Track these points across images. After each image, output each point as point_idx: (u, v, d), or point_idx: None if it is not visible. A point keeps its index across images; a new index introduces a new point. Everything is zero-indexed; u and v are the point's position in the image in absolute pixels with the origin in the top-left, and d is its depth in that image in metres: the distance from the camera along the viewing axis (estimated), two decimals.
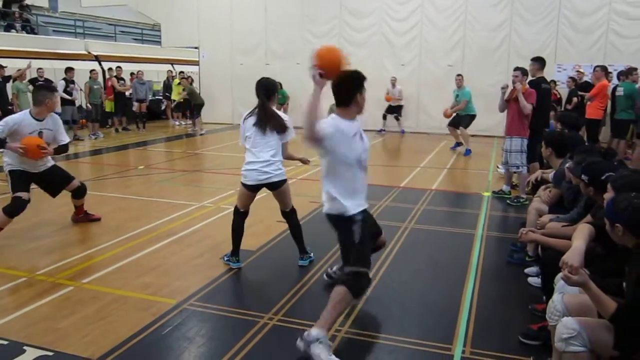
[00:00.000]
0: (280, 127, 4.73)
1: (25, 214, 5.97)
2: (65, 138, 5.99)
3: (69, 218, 6.45)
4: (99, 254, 5.26)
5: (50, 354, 3.35)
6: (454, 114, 12.25)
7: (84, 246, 5.49)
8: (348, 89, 3.48)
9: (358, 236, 3.50)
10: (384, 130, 15.97)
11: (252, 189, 4.80)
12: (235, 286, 4.67)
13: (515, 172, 7.58)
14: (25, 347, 3.42)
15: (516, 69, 7.42)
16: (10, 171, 5.63)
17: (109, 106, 15.85)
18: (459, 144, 12.62)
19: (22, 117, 5.59)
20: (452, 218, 6.84)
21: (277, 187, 4.82)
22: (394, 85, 15.62)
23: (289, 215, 4.98)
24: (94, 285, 4.49)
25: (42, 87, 5.85)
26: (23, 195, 5.55)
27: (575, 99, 11.92)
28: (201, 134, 15.70)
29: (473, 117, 12.29)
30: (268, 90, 4.75)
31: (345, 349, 3.47)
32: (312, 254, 5.06)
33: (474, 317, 3.95)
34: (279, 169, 4.77)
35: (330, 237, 4.86)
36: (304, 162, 5.28)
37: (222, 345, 3.52)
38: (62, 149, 5.97)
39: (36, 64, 14.41)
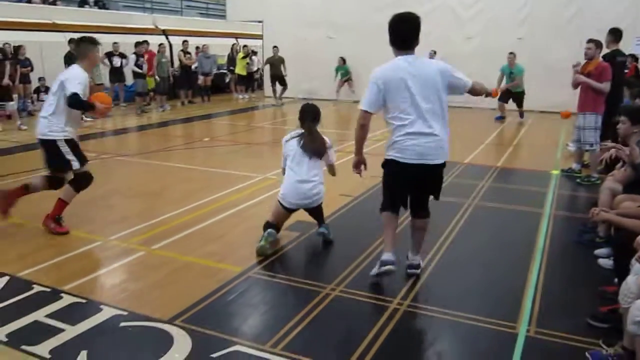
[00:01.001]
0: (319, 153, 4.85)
1: (98, 183, 6.18)
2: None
3: (137, 188, 6.70)
4: (166, 222, 5.46)
5: (125, 313, 3.54)
6: (506, 90, 12.58)
7: (152, 214, 5.69)
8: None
9: None
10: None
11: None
12: (298, 257, 4.75)
13: (588, 150, 7.26)
14: (101, 306, 3.62)
15: (589, 41, 7.05)
16: (66, 140, 5.03)
17: (150, 83, 14.95)
18: (501, 116, 13.17)
19: (81, 71, 5.17)
20: (518, 196, 6.66)
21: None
22: (432, 58, 15.14)
23: None
24: (163, 251, 4.68)
25: (85, 40, 5.67)
26: (88, 167, 5.25)
27: None
28: (282, 104, 16.35)
29: (523, 93, 12.84)
30: (315, 114, 4.94)
31: (406, 322, 3.48)
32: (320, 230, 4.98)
33: (539, 297, 3.86)
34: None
35: (368, 227, 4.85)
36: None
37: (285, 313, 3.61)
38: None
39: (108, 38, 14.90)
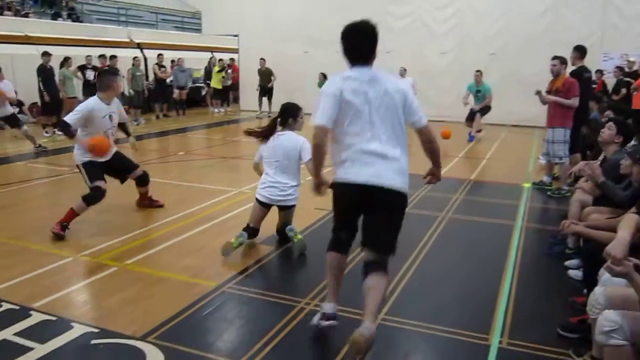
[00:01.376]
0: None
1: (70, 198, 6.15)
2: (125, 116, 6.47)
3: (111, 202, 6.62)
4: (141, 237, 5.41)
5: (96, 330, 3.49)
6: (470, 110, 12.36)
7: (127, 229, 5.64)
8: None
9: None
10: None
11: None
12: (274, 271, 4.75)
13: (557, 164, 7.42)
14: (72, 324, 3.56)
15: (554, 57, 7.23)
16: (82, 163, 5.69)
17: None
18: (473, 136, 12.52)
19: (94, 103, 5.62)
20: (490, 208, 6.76)
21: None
22: (402, 76, 15.09)
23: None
24: (137, 267, 4.62)
25: (107, 72, 6.38)
26: (101, 184, 5.65)
27: (623, 90, 11.54)
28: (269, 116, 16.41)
29: (489, 108, 12.35)
30: (294, 111, 5.10)
31: (381, 336, 3.48)
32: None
33: (512, 309, 3.91)
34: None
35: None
36: None
37: (260, 327, 3.59)
38: (127, 127, 6.51)
39: (81, 51, 14.78)
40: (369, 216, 3.30)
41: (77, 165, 5.78)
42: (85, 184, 5.70)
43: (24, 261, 4.69)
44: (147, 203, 6.53)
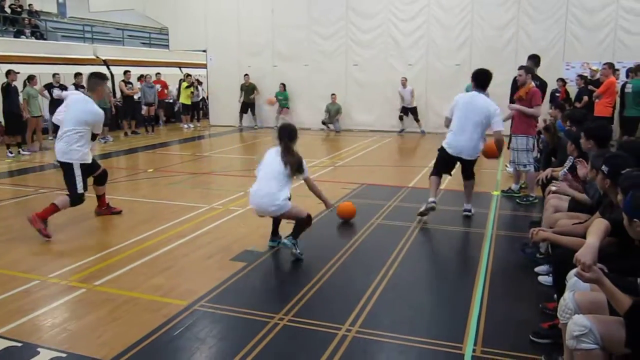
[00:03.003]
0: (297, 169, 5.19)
1: None
2: None
3: (80, 222, 6.50)
4: (110, 257, 5.30)
5: (64, 355, 3.39)
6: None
7: (95, 249, 5.53)
8: None
9: None
10: (403, 130, 16.01)
11: None
12: (246, 287, 4.69)
13: (522, 171, 7.55)
14: (39, 349, 3.46)
15: (520, 67, 7.41)
16: (81, 164, 6.10)
17: None
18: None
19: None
20: (461, 217, 6.83)
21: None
22: (404, 85, 15.61)
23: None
24: (105, 287, 4.52)
25: (94, 75, 6.52)
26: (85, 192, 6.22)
27: (585, 98, 11.84)
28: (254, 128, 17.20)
29: None
30: (291, 134, 5.29)
31: (355, 349, 3.48)
32: (283, 240, 5.28)
33: (484, 316, 3.94)
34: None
35: (337, 239, 4.90)
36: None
37: (234, 345, 3.54)
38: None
39: (46, 69, 14.54)
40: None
41: (71, 165, 6.00)
42: (68, 183, 6.06)
43: None
44: (105, 210, 6.73)
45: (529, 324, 3.73)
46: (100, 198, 6.83)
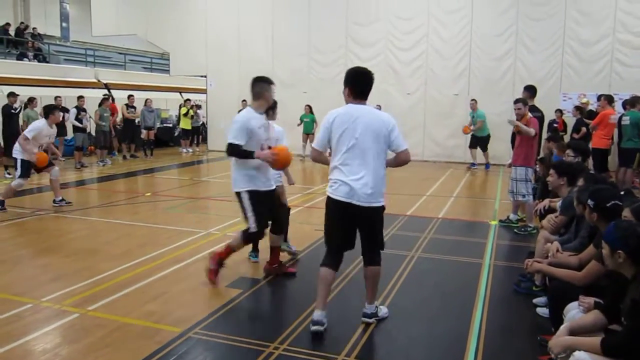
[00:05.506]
0: None
1: (32, 241, 6.00)
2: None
3: (75, 246, 6.47)
4: (104, 281, 5.25)
5: None
6: (471, 136, 14.07)
7: (90, 273, 5.48)
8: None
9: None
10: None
11: None
12: (241, 314, 4.65)
13: (521, 201, 7.55)
14: None
15: (517, 101, 7.45)
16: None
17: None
18: (474, 164, 14.14)
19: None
20: (459, 247, 6.81)
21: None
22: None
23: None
24: (99, 313, 4.47)
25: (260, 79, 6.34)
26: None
27: (583, 129, 11.91)
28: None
29: (489, 137, 14.08)
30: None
31: None
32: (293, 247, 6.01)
33: (482, 348, 3.90)
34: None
35: (313, 280, 4.85)
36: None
37: None
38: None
39: (48, 92, 14.64)
40: None
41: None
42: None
43: None
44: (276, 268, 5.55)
45: (526, 356, 3.69)
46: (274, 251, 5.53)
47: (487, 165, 14.25)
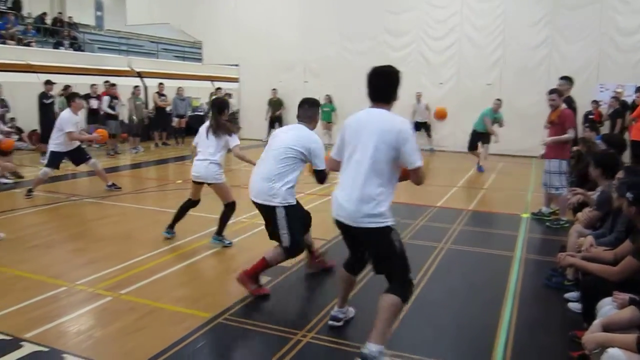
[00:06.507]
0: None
1: (66, 226, 6.14)
2: None
3: (107, 231, 6.61)
4: (136, 266, 5.35)
5: None
6: (472, 135, 12.35)
7: (122, 258, 5.59)
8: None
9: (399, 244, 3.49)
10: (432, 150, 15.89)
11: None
12: (270, 302, 4.67)
13: (553, 194, 7.40)
14: (64, 355, 3.50)
15: (552, 91, 7.26)
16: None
17: None
18: (481, 166, 12.43)
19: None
20: (489, 239, 6.73)
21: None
22: (419, 100, 15.65)
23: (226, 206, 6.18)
24: (131, 297, 4.57)
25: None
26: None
27: (619, 120, 11.61)
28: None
29: (490, 137, 12.32)
30: (220, 106, 6.23)
31: None
32: (227, 241, 6.06)
33: (511, 342, 3.85)
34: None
35: None
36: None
37: None
38: None
39: (83, 80, 14.92)
40: None
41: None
42: None
43: (18, 290, 4.64)
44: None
45: (557, 352, 3.63)
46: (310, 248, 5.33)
47: (480, 167, 12.34)
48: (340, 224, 3.57)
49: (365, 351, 3.30)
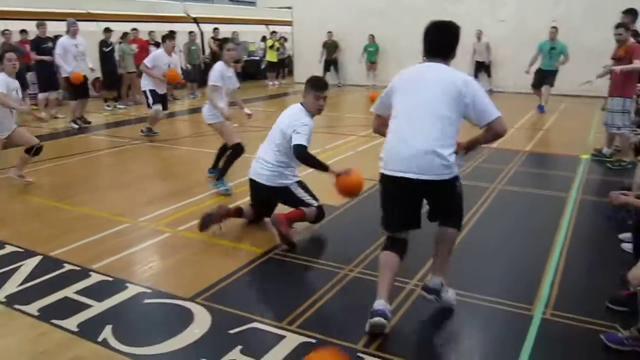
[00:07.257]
0: None
1: (130, 168, 6.42)
2: None
3: (167, 172, 6.87)
4: (194, 204, 5.60)
5: (149, 291, 3.69)
6: (537, 72, 11.86)
7: (181, 197, 5.85)
8: None
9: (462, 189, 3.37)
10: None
11: None
12: (318, 240, 4.83)
13: (615, 134, 7.10)
14: (127, 284, 3.78)
15: (618, 25, 6.85)
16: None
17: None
18: (542, 106, 11.95)
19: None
20: (544, 180, 6.59)
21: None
22: (479, 38, 15.09)
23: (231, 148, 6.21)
24: (188, 233, 4.81)
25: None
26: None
27: None
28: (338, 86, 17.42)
29: (557, 72, 11.82)
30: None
31: (422, 303, 3.50)
32: (227, 187, 6.01)
33: (559, 280, 3.84)
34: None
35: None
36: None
37: (303, 292, 3.70)
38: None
39: (140, 26, 15.17)
40: None
41: None
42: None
43: (86, 226, 4.97)
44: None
45: (605, 291, 3.58)
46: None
47: (541, 107, 11.86)
48: (393, 179, 3.22)
49: (429, 284, 3.41)
